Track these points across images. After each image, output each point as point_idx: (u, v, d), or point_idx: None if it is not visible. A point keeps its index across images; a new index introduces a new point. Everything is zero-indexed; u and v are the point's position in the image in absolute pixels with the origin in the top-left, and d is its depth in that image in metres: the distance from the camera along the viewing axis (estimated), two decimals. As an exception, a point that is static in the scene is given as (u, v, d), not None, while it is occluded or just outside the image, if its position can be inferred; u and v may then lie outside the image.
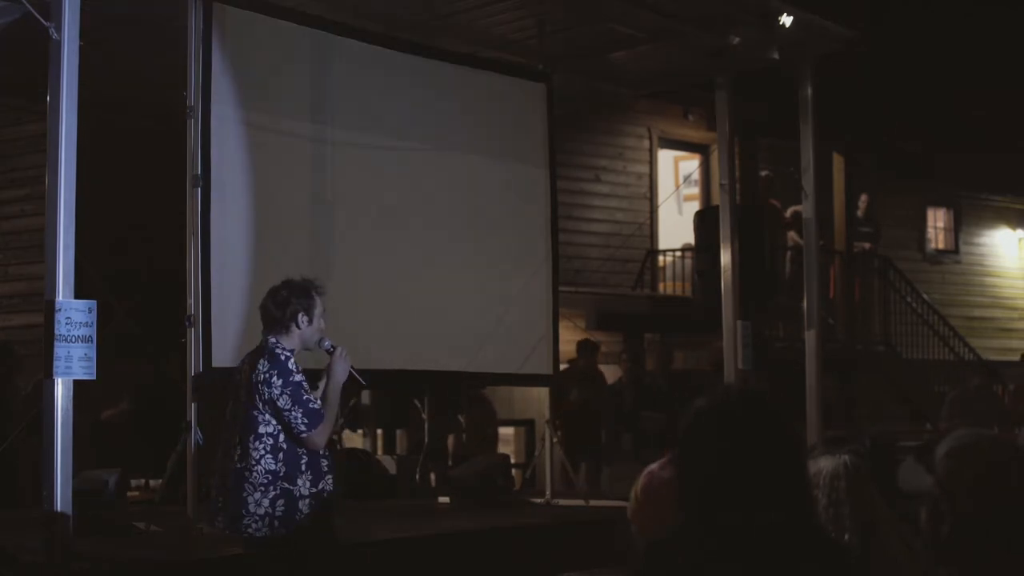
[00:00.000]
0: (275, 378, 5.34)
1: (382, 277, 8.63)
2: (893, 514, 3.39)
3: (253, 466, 5.35)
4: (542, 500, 9.64)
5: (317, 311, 5.56)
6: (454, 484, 9.38)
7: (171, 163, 7.95)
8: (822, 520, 2.99)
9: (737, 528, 2.29)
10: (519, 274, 9.58)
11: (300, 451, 5.39)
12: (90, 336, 5.69)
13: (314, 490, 5.43)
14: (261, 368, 5.38)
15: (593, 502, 9.45)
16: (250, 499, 5.35)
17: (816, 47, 10.28)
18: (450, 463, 10.91)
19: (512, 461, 11.05)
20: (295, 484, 5.38)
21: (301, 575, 5.57)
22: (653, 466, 5.22)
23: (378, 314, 8.45)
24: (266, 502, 5.35)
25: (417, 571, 6.95)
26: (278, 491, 5.36)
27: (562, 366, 10.87)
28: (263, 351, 5.46)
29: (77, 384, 5.71)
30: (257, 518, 5.36)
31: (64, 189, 5.77)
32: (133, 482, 9.40)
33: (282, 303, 5.52)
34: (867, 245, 15.57)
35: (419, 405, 10.41)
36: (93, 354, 5.70)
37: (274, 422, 5.36)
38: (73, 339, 5.64)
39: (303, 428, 5.35)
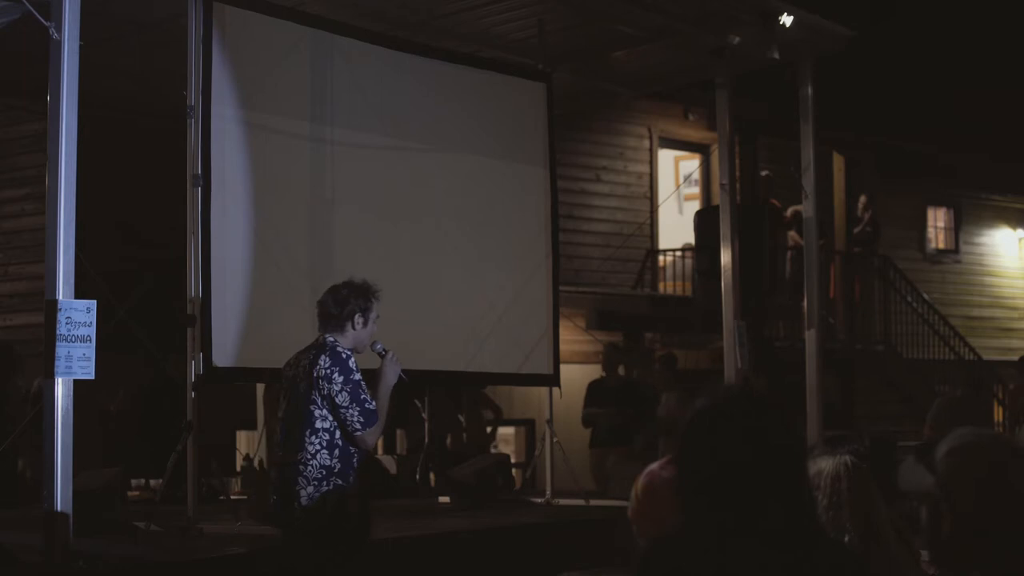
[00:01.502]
0: (336, 375, 5.44)
1: (382, 277, 8.59)
2: (893, 514, 3.39)
3: (308, 460, 5.45)
4: (542, 500, 9.64)
5: (372, 315, 5.69)
6: (454, 484, 9.38)
7: (171, 163, 7.96)
8: (822, 521, 2.99)
9: (737, 528, 2.29)
10: (519, 274, 9.58)
11: (352, 449, 5.46)
12: (90, 336, 5.70)
13: (363, 490, 5.51)
14: (323, 364, 5.47)
15: (593, 502, 9.46)
16: (303, 492, 5.44)
17: (816, 47, 10.28)
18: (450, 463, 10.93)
19: (512, 461, 11.05)
20: (347, 481, 5.48)
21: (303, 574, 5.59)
22: (653, 466, 5.21)
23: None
24: (317, 496, 5.42)
25: (417, 571, 6.95)
26: (330, 486, 5.45)
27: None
28: (324, 348, 5.55)
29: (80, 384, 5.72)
30: (308, 512, 5.38)
31: (64, 189, 5.77)
32: (133, 482, 9.40)
33: (341, 301, 5.64)
34: (868, 228, 15.58)
35: (419, 405, 10.42)
36: (92, 354, 5.71)
37: (331, 418, 5.45)
38: (73, 339, 5.64)
39: (358, 427, 5.45)
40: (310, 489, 5.44)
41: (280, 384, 5.78)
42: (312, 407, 5.47)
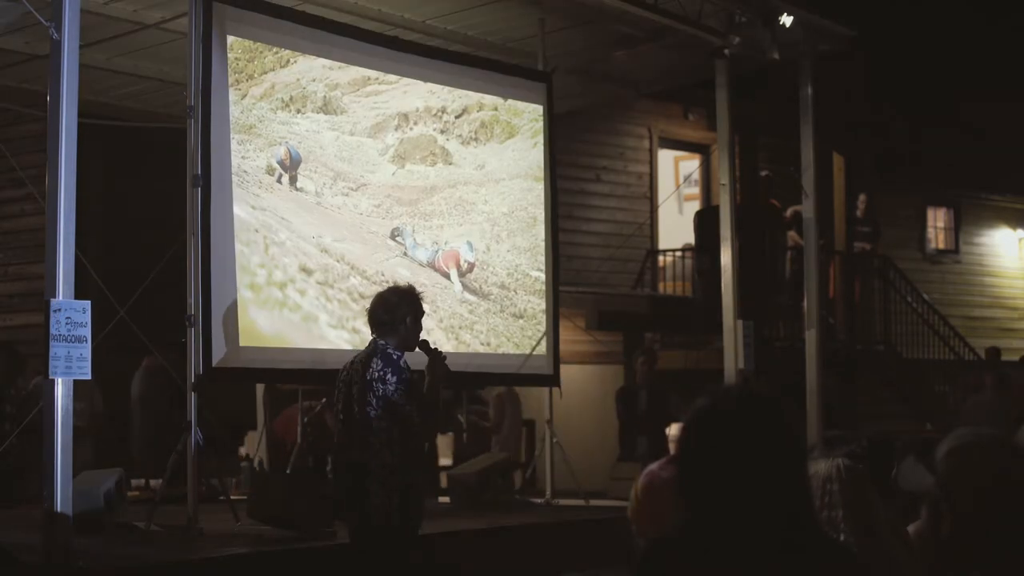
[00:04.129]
0: (390, 375, 5.64)
1: (383, 277, 8.63)
2: (892, 514, 3.39)
3: (371, 459, 5.62)
4: (542, 500, 9.64)
5: (421, 316, 5.90)
6: (454, 484, 9.39)
7: (172, 163, 7.96)
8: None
9: (737, 528, 2.29)
10: (519, 274, 9.58)
11: (413, 446, 5.63)
12: (85, 336, 5.71)
13: (408, 484, 5.68)
14: (375, 367, 5.68)
15: (593, 502, 9.46)
16: (371, 491, 5.61)
17: (816, 47, 10.29)
18: (450, 463, 10.94)
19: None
20: (409, 477, 5.64)
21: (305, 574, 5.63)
22: (653, 466, 5.20)
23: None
24: (383, 494, 5.60)
25: (417, 571, 6.94)
26: (394, 484, 5.62)
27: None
28: (376, 352, 5.76)
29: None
30: (376, 509, 5.61)
31: (64, 189, 5.78)
32: (133, 482, 9.40)
33: (392, 307, 5.84)
34: (867, 246, 15.55)
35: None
36: (88, 354, 5.72)
37: (387, 418, 5.63)
38: (72, 339, 5.65)
39: (418, 422, 5.64)
40: (376, 487, 5.61)
41: (335, 387, 5.93)
42: (368, 409, 5.66)
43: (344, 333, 8.23)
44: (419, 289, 6.08)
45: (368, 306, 6.00)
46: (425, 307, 6.04)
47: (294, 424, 10.05)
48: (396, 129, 8.96)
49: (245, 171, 7.90)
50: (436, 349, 5.91)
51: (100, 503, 7.12)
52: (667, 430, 6.15)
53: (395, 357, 5.69)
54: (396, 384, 5.62)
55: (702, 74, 10.60)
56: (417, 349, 5.92)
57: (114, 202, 11.53)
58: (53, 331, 5.60)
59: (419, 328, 5.89)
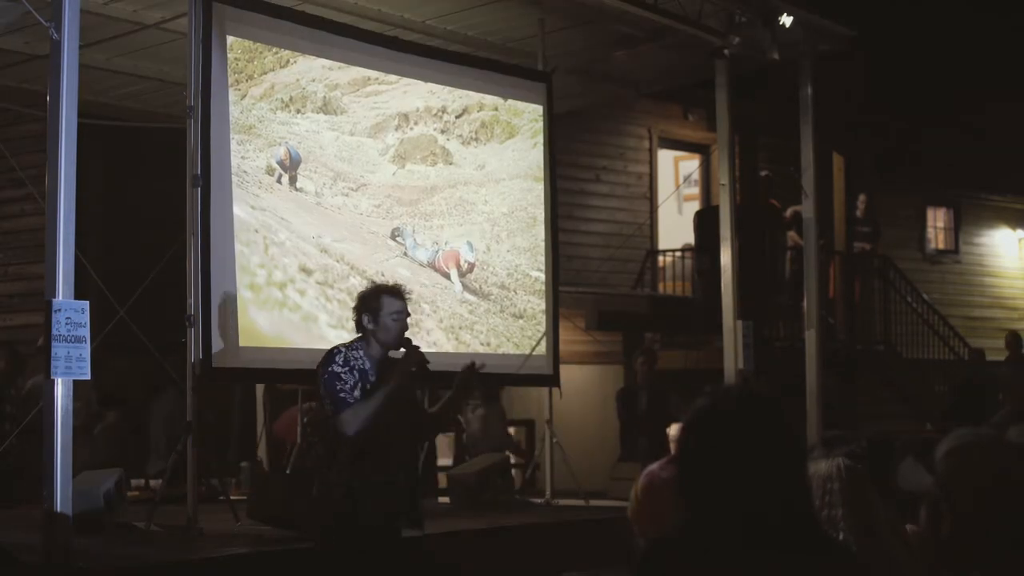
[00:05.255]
0: (320, 368, 5.59)
1: (383, 277, 8.62)
2: (892, 514, 3.39)
3: (312, 451, 5.70)
4: (542, 500, 9.64)
5: (385, 312, 5.66)
6: (454, 484, 9.38)
7: (172, 163, 7.95)
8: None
9: (737, 528, 2.29)
10: (519, 274, 9.58)
11: (345, 440, 5.49)
12: (85, 336, 5.70)
13: (352, 480, 5.50)
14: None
15: (593, 502, 9.45)
16: (314, 485, 5.63)
17: (816, 47, 10.30)
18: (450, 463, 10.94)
19: (512, 461, 11.05)
20: (331, 471, 5.55)
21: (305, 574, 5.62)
22: (653, 466, 5.21)
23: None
24: (316, 486, 5.59)
25: (417, 571, 6.94)
26: (320, 477, 5.58)
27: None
28: None
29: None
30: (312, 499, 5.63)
31: (64, 189, 5.77)
32: (133, 482, 9.41)
33: (356, 307, 5.77)
34: (867, 246, 15.56)
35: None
36: (88, 354, 5.72)
37: (323, 411, 5.64)
38: (72, 339, 5.65)
39: (330, 413, 5.54)
40: (317, 482, 5.59)
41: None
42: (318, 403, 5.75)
43: (344, 333, 8.20)
44: (408, 288, 5.91)
45: None
46: (424, 307, 5.96)
47: (294, 424, 10.06)
48: (396, 129, 8.96)
49: (245, 171, 7.90)
50: (415, 347, 5.76)
51: (100, 503, 7.12)
52: (667, 430, 6.15)
53: (332, 353, 5.59)
54: (320, 377, 5.55)
55: (702, 74, 10.60)
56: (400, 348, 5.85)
57: (114, 202, 11.53)
58: (54, 331, 5.60)
59: (387, 326, 5.63)
